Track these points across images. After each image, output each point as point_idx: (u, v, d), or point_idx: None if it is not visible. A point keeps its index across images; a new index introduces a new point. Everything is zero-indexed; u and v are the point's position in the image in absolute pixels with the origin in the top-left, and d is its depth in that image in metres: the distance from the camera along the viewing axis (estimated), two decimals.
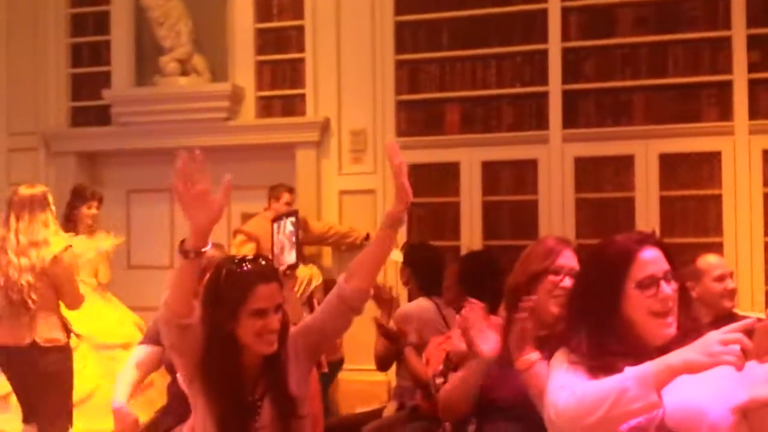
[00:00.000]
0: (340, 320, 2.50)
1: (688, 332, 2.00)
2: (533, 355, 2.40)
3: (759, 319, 1.93)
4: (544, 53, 6.07)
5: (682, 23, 5.85)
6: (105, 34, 7.02)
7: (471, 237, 6.05)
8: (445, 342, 3.67)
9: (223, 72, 6.74)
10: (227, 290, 2.33)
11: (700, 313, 3.34)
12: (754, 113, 5.70)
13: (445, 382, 2.89)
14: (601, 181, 5.99)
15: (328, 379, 5.46)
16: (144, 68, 6.95)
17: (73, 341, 5.59)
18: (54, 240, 4.34)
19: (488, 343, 2.56)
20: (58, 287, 4.32)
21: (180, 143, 6.63)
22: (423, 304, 4.24)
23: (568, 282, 2.51)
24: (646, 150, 5.86)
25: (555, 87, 6.03)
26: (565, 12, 6.02)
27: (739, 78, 5.70)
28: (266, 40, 6.71)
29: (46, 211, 4.37)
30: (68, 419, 4.39)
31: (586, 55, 6.03)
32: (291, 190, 6.12)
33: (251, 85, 6.68)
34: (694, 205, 5.81)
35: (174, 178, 2.16)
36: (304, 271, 5.62)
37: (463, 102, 6.28)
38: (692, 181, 5.82)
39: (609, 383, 1.87)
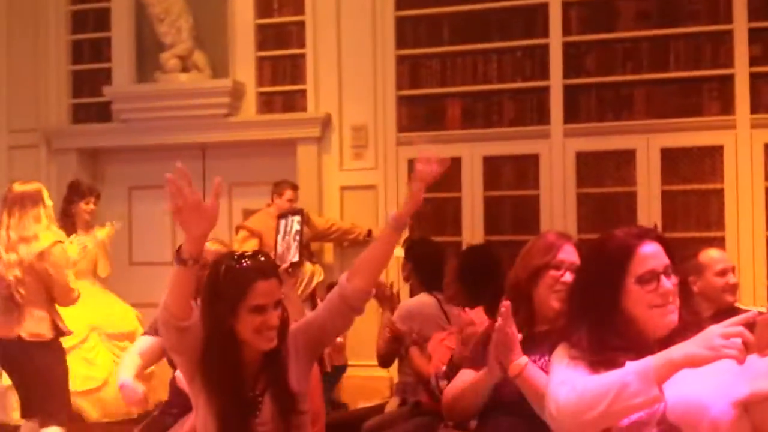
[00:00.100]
0: (341, 319, 2.50)
1: (689, 326, 1.99)
2: (522, 360, 2.37)
3: (760, 313, 1.92)
4: (545, 48, 6.06)
5: (684, 17, 5.84)
6: (105, 30, 7.02)
7: (472, 232, 6.05)
8: (447, 338, 3.67)
9: (224, 68, 6.74)
10: (226, 286, 2.33)
11: (702, 307, 3.33)
12: (755, 107, 5.70)
13: (448, 384, 2.87)
14: (603, 176, 5.99)
15: (331, 382, 5.48)
16: (145, 65, 6.95)
17: (80, 333, 5.64)
18: (44, 235, 4.34)
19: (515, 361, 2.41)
20: (46, 282, 4.32)
21: (181, 140, 6.66)
22: (424, 299, 4.23)
23: (568, 277, 2.50)
24: (648, 144, 5.85)
25: (556, 81, 6.02)
26: (566, 6, 6.01)
27: (741, 72, 5.69)
28: (267, 36, 6.71)
29: (38, 207, 4.37)
30: (59, 416, 4.35)
31: (587, 49, 6.02)
32: (294, 188, 6.11)
33: (252, 81, 6.68)
34: (695, 199, 5.81)
35: (170, 203, 2.14)
36: (306, 268, 5.62)
37: (464, 97, 6.27)
38: (694, 176, 5.81)
39: (610, 378, 1.87)
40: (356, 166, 6.44)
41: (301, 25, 6.59)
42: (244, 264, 2.35)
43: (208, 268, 2.40)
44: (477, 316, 3.14)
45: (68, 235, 5.73)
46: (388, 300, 4.17)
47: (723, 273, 3.61)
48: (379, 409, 4.34)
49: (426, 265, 4.37)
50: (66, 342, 5.58)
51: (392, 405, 4.32)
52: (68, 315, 5.26)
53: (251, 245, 5.57)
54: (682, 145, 5.81)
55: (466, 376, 2.65)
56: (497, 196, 6.16)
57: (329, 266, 6.27)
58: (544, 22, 6.05)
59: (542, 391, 2.13)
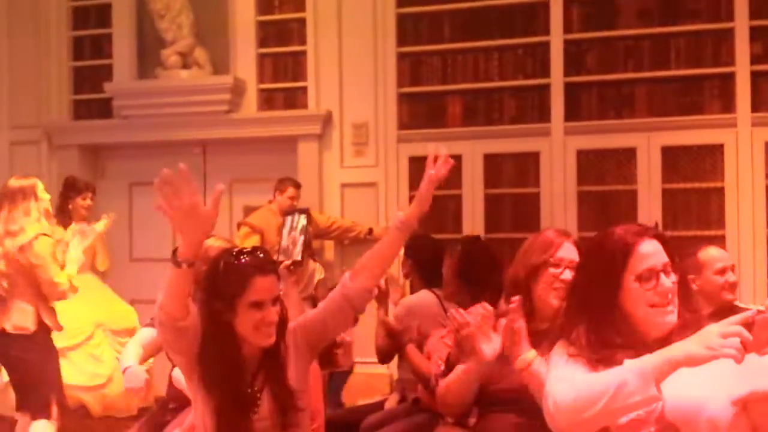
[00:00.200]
0: (342, 317, 2.50)
1: (688, 324, 1.99)
2: (530, 354, 2.39)
3: (759, 312, 1.92)
4: (546, 45, 6.05)
5: (685, 15, 5.83)
6: (107, 27, 7.02)
7: (473, 229, 6.04)
8: (447, 335, 3.67)
9: (225, 65, 6.74)
10: (225, 282, 2.33)
11: (701, 305, 3.33)
12: (756, 105, 5.69)
13: None
14: (604, 174, 5.99)
15: (338, 383, 5.49)
16: (146, 61, 6.94)
17: (86, 330, 5.65)
18: (29, 228, 4.34)
19: (491, 346, 2.53)
20: (30, 275, 4.32)
21: (182, 136, 6.67)
22: (425, 296, 4.23)
23: (567, 274, 2.51)
24: (649, 142, 5.85)
25: (557, 79, 6.02)
26: (567, 4, 6.01)
27: (742, 70, 5.68)
28: (268, 33, 6.70)
29: (28, 201, 4.37)
30: (48, 410, 4.35)
31: (588, 47, 6.02)
32: (297, 186, 6.10)
33: (253, 77, 6.67)
34: (696, 197, 5.81)
35: (157, 196, 2.06)
36: (308, 267, 5.62)
37: (465, 94, 6.27)
38: (694, 174, 5.81)
39: (608, 376, 1.87)
40: (357, 163, 6.44)
41: (302, 21, 6.59)
42: (243, 260, 2.35)
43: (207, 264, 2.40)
44: (475, 313, 3.13)
45: (65, 230, 5.77)
46: (383, 296, 4.18)
47: (722, 271, 3.61)
48: (379, 406, 4.34)
49: (426, 262, 4.37)
50: (73, 339, 5.63)
51: (392, 402, 4.32)
52: (74, 312, 5.28)
53: (253, 242, 5.57)
54: (682, 144, 5.81)
55: (459, 370, 2.67)
56: (498, 194, 6.16)
57: (329, 264, 6.27)
58: (545, 19, 6.05)
59: None
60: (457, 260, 3.98)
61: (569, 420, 1.90)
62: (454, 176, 6.10)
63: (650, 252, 2.05)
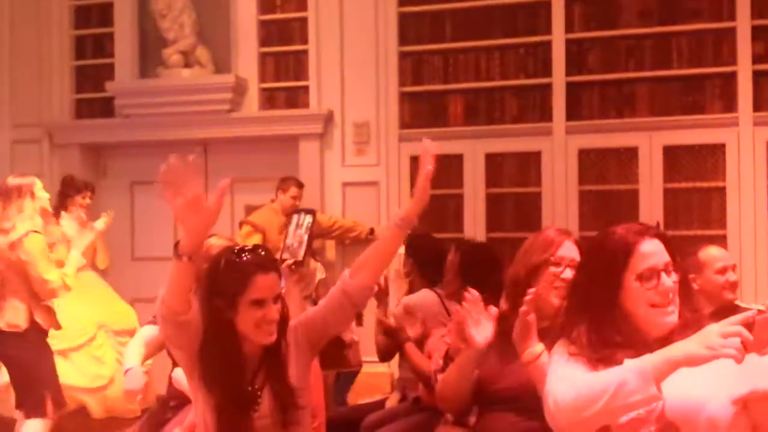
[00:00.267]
0: (342, 315, 2.50)
1: (689, 324, 1.99)
2: (537, 348, 2.40)
3: (759, 311, 1.92)
4: (548, 45, 6.06)
5: (686, 14, 5.83)
6: (108, 26, 7.03)
7: (474, 229, 6.05)
8: (447, 334, 3.67)
9: (227, 64, 6.74)
10: (226, 280, 2.33)
11: (702, 305, 3.32)
12: (758, 105, 5.69)
13: None
14: (605, 173, 5.99)
15: (345, 384, 5.50)
16: (147, 60, 6.95)
17: (89, 331, 5.65)
18: (20, 225, 4.34)
19: (482, 332, 2.55)
20: (22, 272, 4.32)
21: (183, 135, 6.67)
22: (426, 295, 4.23)
23: (568, 273, 2.51)
24: (650, 142, 5.85)
25: (559, 78, 6.02)
26: (569, 3, 6.01)
27: (744, 69, 5.68)
28: (269, 32, 6.71)
29: (23, 198, 4.37)
30: (42, 409, 4.34)
31: (589, 46, 6.02)
32: (300, 185, 6.11)
33: (254, 76, 6.68)
34: (698, 197, 5.81)
35: (161, 185, 2.05)
36: (310, 267, 5.63)
37: (467, 94, 6.27)
38: (696, 173, 5.81)
39: (608, 376, 1.87)
40: (358, 163, 6.44)
41: (304, 21, 6.59)
42: (244, 258, 2.35)
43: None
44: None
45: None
46: (382, 294, 4.18)
47: (723, 271, 3.61)
48: (380, 404, 4.35)
49: (427, 261, 4.37)
50: (76, 340, 5.63)
51: (392, 401, 4.32)
52: (76, 312, 5.28)
53: (255, 241, 5.57)
54: (684, 143, 5.81)
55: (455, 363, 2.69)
56: (499, 193, 6.16)
57: (331, 264, 6.27)
58: (547, 18, 6.05)
59: None
60: (458, 260, 3.98)
61: (569, 419, 1.90)
62: (456, 175, 6.11)
63: (651, 251, 2.04)
